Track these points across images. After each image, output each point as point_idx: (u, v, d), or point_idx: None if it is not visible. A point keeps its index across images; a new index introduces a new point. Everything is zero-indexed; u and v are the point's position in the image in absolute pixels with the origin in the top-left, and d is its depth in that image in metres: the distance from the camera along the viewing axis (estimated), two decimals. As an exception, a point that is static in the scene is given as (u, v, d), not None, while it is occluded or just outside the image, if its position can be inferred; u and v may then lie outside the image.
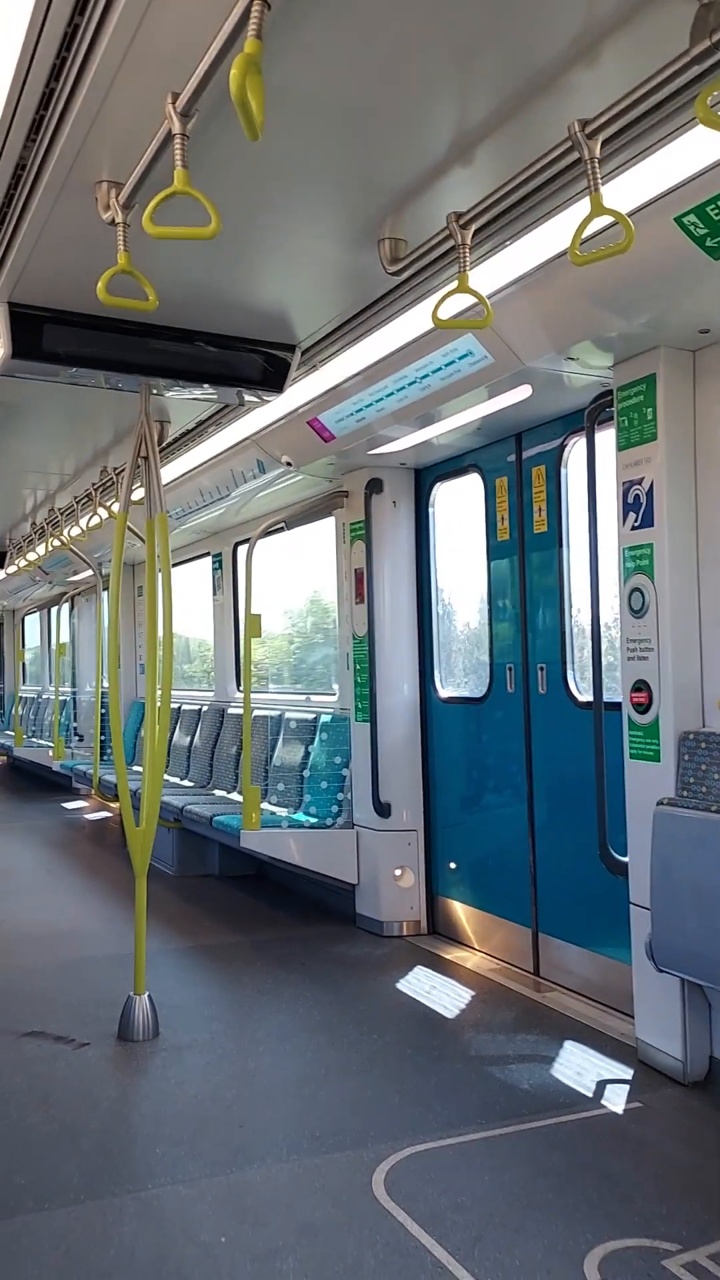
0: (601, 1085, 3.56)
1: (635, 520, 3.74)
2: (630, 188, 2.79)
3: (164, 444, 5.84)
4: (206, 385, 4.21)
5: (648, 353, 3.67)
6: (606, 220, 2.49)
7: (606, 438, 4.01)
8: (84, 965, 5.12)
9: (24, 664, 15.55)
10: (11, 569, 10.32)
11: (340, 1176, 2.93)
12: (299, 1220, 2.70)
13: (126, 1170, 2.99)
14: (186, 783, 8.01)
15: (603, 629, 4.03)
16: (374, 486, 5.64)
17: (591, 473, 4.03)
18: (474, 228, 2.89)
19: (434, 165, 2.77)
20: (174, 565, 8.95)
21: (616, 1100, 3.44)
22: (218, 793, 7.36)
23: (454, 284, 2.91)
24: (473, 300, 2.97)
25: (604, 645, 4.03)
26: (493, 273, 3.39)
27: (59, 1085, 3.61)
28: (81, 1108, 3.42)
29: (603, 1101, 3.43)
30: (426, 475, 5.69)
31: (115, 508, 6.53)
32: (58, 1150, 3.11)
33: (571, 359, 3.77)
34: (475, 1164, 2.99)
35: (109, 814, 10.37)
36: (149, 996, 4.12)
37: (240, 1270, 2.47)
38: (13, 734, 13.04)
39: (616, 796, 3.90)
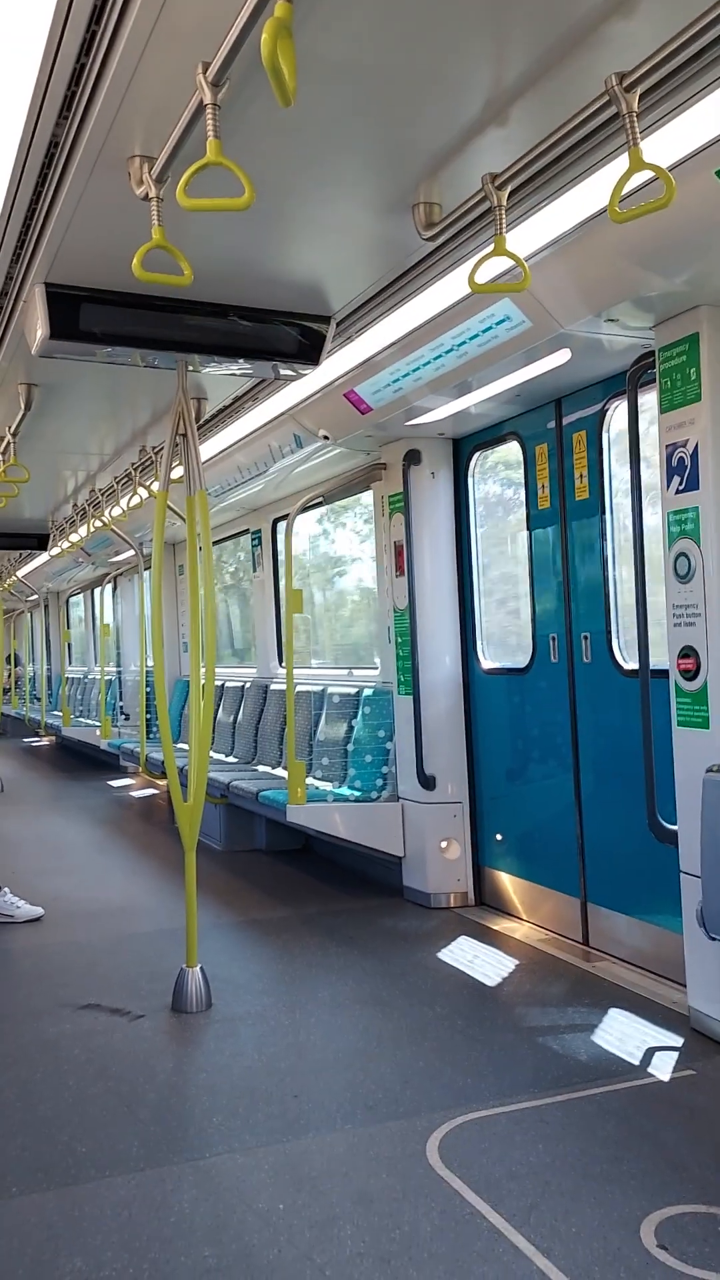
0: (654, 1053, 3.55)
1: (680, 484, 3.68)
2: (670, 142, 2.72)
3: (201, 421, 5.83)
4: (242, 360, 4.19)
5: (689, 312, 3.59)
6: (646, 176, 2.43)
7: (649, 401, 3.95)
8: (136, 939, 5.19)
9: (69, 645, 15.73)
10: (55, 551, 10.41)
11: (395, 1145, 2.95)
12: (355, 1188, 2.72)
13: (184, 1139, 3.04)
14: (231, 759, 8.07)
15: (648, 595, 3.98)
16: (412, 458, 5.60)
17: (634, 436, 3.97)
18: (510, 189, 2.84)
19: (467, 127, 2.72)
20: (214, 543, 8.99)
21: (669, 1068, 3.43)
22: (261, 768, 7.41)
23: (490, 247, 2.86)
24: (510, 264, 2.93)
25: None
26: (530, 235, 3.33)
27: (116, 1057, 3.67)
28: (138, 1078, 3.48)
29: (656, 1070, 3.42)
30: (465, 445, 5.64)
31: (155, 487, 6.56)
32: (117, 1120, 3.17)
33: (611, 320, 3.71)
34: (529, 1132, 3.00)
35: (155, 791, 10.48)
36: (201, 969, 4.17)
37: (298, 1237, 2.50)
38: (60, 714, 13.21)
39: (665, 764, 3.87)
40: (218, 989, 4.24)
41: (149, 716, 9.25)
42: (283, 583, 6.72)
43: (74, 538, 9.35)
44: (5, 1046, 3.81)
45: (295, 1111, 3.20)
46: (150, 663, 9.18)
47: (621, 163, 2.71)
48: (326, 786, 6.09)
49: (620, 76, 2.34)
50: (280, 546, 7.79)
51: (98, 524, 8.28)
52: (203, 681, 4.18)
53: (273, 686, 7.78)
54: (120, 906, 5.88)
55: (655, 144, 2.70)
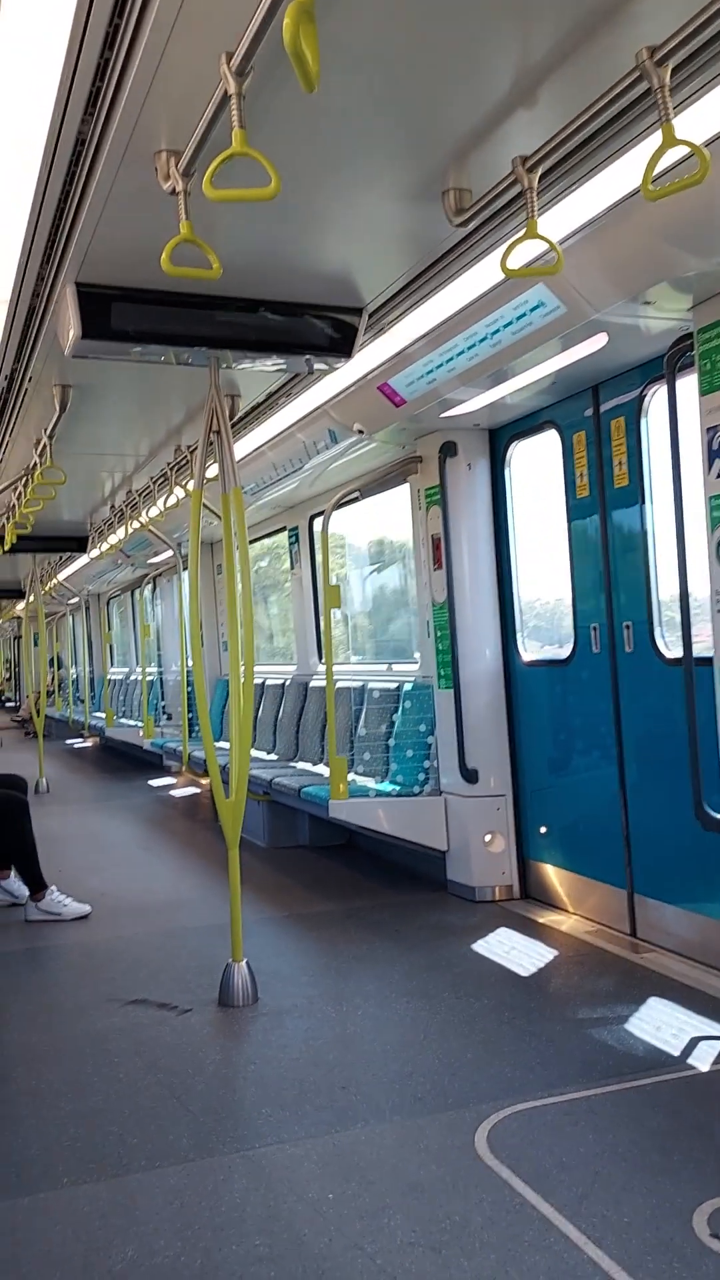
0: (705, 1044, 3.50)
1: (720, 467, 3.63)
2: (704, 116, 2.68)
3: (235, 418, 5.85)
4: (274, 355, 4.20)
5: (728, 291, 3.54)
6: (680, 153, 2.40)
7: (688, 384, 3.89)
8: (183, 934, 5.22)
9: (110, 646, 15.86)
10: (94, 553, 10.50)
11: (443, 1136, 2.93)
12: (404, 1179, 2.71)
13: (233, 1131, 3.05)
14: (272, 756, 8.09)
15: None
16: (448, 450, 5.57)
17: (674, 421, 3.91)
18: (540, 171, 2.81)
19: (495, 109, 2.69)
20: (251, 541, 9.02)
21: (721, 1058, 3.38)
22: (300, 765, 7.41)
23: (522, 231, 2.84)
24: (543, 248, 2.90)
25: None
26: (562, 218, 3.30)
27: (165, 1050, 3.69)
28: (187, 1071, 3.49)
29: (707, 1060, 3.37)
30: (501, 435, 5.60)
31: (191, 486, 6.59)
32: (166, 1112, 3.18)
33: (648, 303, 3.66)
34: (579, 1123, 2.97)
35: (198, 790, 10.54)
36: (247, 963, 4.18)
37: (348, 1227, 2.49)
38: (103, 715, 13.32)
39: (711, 753, 3.82)
40: (264, 983, 4.25)
41: (191, 716, 9.31)
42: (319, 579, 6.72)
43: (112, 539, 9.42)
44: (55, 1040, 3.84)
45: (343, 1103, 3.20)
46: (190, 662, 9.23)
47: (654, 140, 2.67)
48: (368, 782, 6.08)
49: (651, 50, 2.30)
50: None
51: (135, 525, 8.34)
52: (242, 680, 4.19)
53: (313, 683, 7.79)
54: (166, 903, 5.92)
55: (689, 119, 2.66)
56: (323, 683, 7.29)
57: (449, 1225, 2.48)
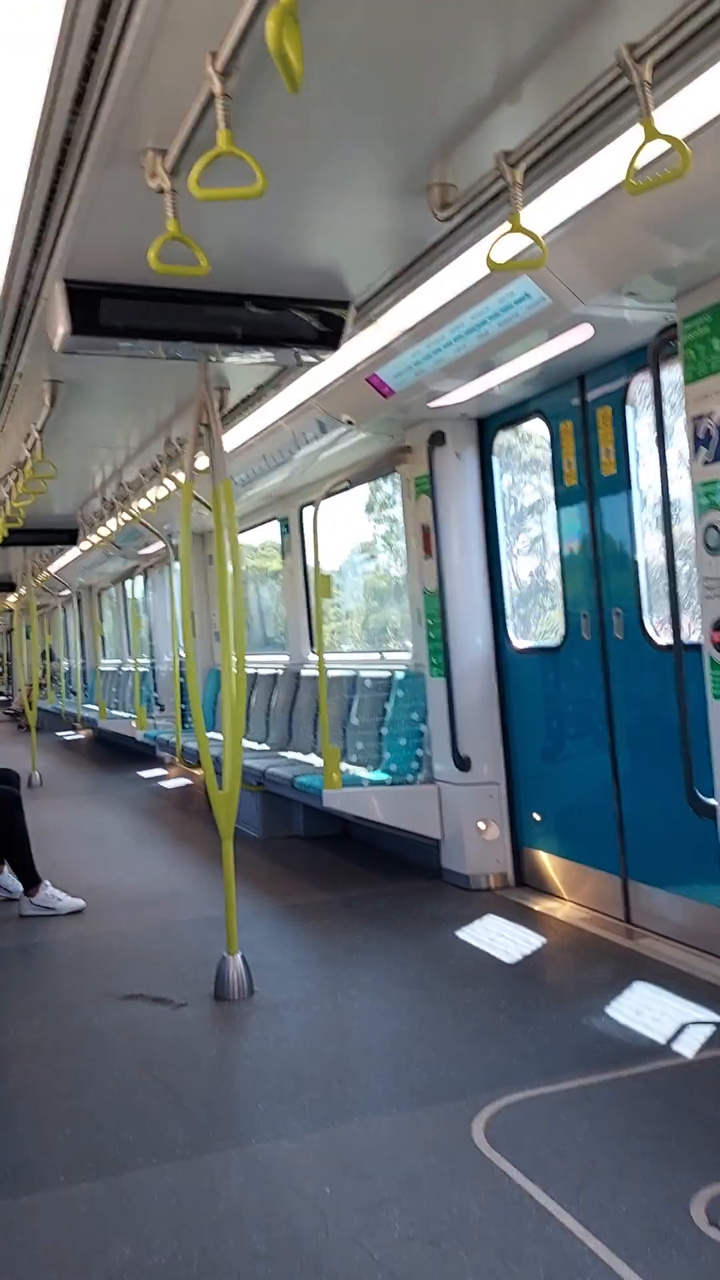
0: (700, 1030, 3.54)
1: (707, 455, 3.64)
2: (684, 110, 2.67)
3: (225, 411, 5.84)
4: (263, 349, 4.19)
5: (712, 281, 3.54)
6: (662, 147, 2.40)
7: (674, 373, 3.90)
8: (177, 928, 5.24)
9: (102, 638, 15.84)
10: (85, 545, 10.47)
11: (441, 1128, 2.96)
12: (402, 1171, 2.74)
13: (230, 1126, 3.07)
14: (265, 746, 8.11)
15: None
16: (436, 439, 5.58)
17: (659, 410, 3.92)
18: (524, 165, 2.81)
19: (479, 104, 2.69)
20: (242, 531, 9.01)
21: (716, 1045, 3.41)
22: (293, 754, 7.42)
23: (506, 225, 2.84)
24: (527, 241, 2.90)
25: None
26: (546, 211, 3.29)
27: (160, 1046, 3.71)
28: (183, 1067, 3.51)
29: (702, 1047, 3.40)
30: (489, 424, 5.60)
31: (181, 478, 6.57)
32: (162, 1108, 3.20)
33: (632, 294, 3.66)
34: (575, 1112, 3.00)
35: (191, 781, 10.55)
36: (242, 956, 4.19)
37: (346, 1221, 2.52)
38: (96, 707, 13.32)
39: (701, 738, 3.84)
40: (260, 975, 4.27)
41: (183, 706, 9.31)
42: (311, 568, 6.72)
43: (103, 532, 9.40)
44: (51, 1037, 3.86)
45: (340, 1096, 3.22)
46: (182, 653, 9.23)
47: (636, 134, 2.67)
48: (362, 771, 6.10)
49: (631, 47, 2.31)
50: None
51: (126, 517, 8.32)
52: (234, 670, 4.19)
53: (304, 673, 7.80)
54: (161, 896, 5.94)
55: (670, 113, 2.65)
56: (315, 672, 7.30)
57: (447, 1218, 2.50)
